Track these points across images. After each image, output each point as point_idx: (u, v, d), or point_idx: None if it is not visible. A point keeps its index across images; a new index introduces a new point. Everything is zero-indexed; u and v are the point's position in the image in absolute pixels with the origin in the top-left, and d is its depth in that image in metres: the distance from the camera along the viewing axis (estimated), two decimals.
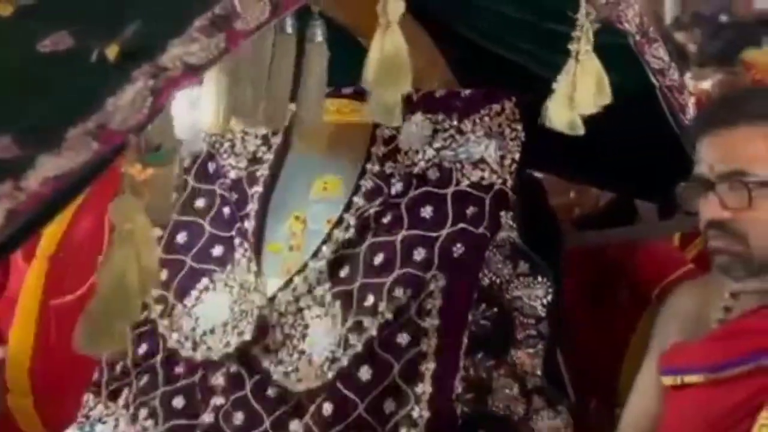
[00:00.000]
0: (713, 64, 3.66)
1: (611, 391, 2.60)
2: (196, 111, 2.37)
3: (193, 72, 1.48)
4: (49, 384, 2.69)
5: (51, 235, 2.70)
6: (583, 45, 2.00)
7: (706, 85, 3.69)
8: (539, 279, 2.22)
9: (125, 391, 2.35)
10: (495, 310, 2.20)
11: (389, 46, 1.82)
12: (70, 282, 2.65)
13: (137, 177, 1.51)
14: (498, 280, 2.21)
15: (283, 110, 2.08)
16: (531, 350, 2.21)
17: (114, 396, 2.36)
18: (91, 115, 1.44)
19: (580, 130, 2.03)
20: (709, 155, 1.98)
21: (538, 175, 2.56)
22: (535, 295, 2.21)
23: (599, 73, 2.02)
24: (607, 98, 2.02)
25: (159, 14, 1.54)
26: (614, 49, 2.07)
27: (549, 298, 2.22)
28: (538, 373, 2.21)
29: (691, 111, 2.25)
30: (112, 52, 1.49)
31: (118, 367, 2.37)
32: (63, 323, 2.62)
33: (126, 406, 2.34)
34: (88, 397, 2.38)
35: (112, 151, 1.46)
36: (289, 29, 2.15)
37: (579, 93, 2.01)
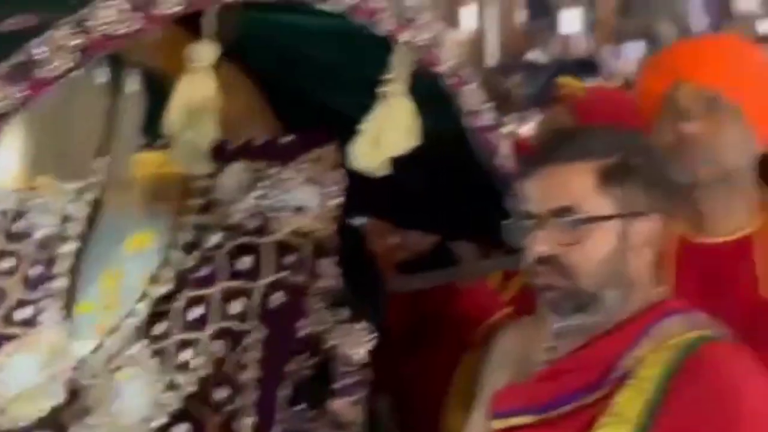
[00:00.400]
0: (534, 106, 3.72)
1: None
2: None
3: None
4: None
5: None
6: (393, 87, 2.00)
7: (529, 127, 3.75)
8: (360, 325, 2.19)
9: None
10: (316, 359, 2.16)
11: (196, 92, 1.77)
12: None
13: None
14: (318, 329, 2.16)
15: (90, 164, 2.01)
16: (352, 398, 2.18)
17: None
18: None
19: (386, 171, 2.02)
20: (537, 192, 1.99)
21: (360, 219, 2.55)
22: (355, 343, 2.18)
23: (409, 114, 2.01)
24: (414, 140, 2.02)
25: None
26: (429, 91, 2.07)
27: (370, 345, 2.18)
28: (359, 422, 2.17)
29: (504, 153, 2.26)
30: None
31: None
32: None
33: None
34: None
35: None
36: (102, 78, 2.09)
37: (386, 134, 2.01)
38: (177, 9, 1.78)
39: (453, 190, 2.37)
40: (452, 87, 2.10)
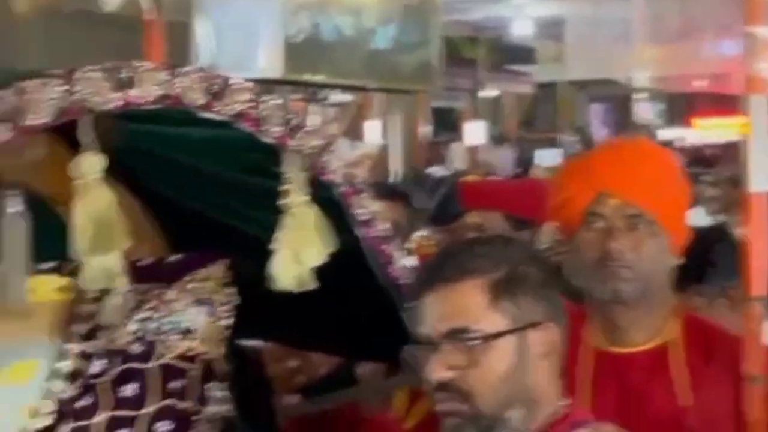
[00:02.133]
0: (433, 223, 3.66)
1: None
2: None
3: None
4: None
5: None
6: (296, 197, 1.93)
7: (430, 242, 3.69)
8: None
9: None
10: None
11: (94, 207, 1.68)
12: None
13: None
14: None
15: None
16: None
17: None
18: None
19: (311, 285, 1.96)
20: (432, 314, 1.94)
21: (257, 343, 2.44)
22: None
23: (319, 222, 1.95)
24: (332, 246, 1.96)
25: None
26: (323, 202, 1.99)
27: None
28: None
29: (400, 264, 2.18)
30: None
31: None
32: None
33: None
34: None
35: None
36: None
37: (303, 247, 1.94)
38: (45, 120, 1.70)
39: (352, 306, 2.27)
40: (344, 196, 2.03)
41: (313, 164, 1.97)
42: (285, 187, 1.94)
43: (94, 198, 1.66)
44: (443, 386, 1.91)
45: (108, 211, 1.66)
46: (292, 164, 1.93)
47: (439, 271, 1.96)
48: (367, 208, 2.09)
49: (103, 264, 1.72)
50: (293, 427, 2.57)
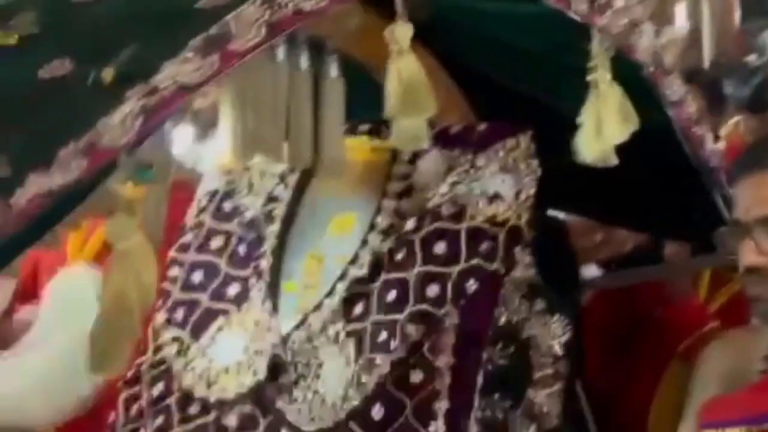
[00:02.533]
0: (744, 111, 3.63)
1: None
2: (212, 149, 2.38)
3: (185, 91, 1.48)
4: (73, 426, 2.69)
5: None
6: (601, 75, 1.98)
7: (742, 131, 3.65)
8: (556, 317, 2.18)
9: None
10: (511, 348, 2.16)
11: (406, 72, 1.81)
12: None
13: (129, 196, 1.51)
14: (514, 318, 2.17)
15: (308, 148, 2.08)
16: (549, 390, 2.17)
17: None
18: (83, 135, 1.44)
19: (613, 161, 2.00)
20: (745, 199, 1.95)
21: (562, 215, 2.54)
22: (552, 334, 2.17)
23: (622, 101, 1.99)
24: (634, 125, 1.99)
25: (155, 37, 1.54)
26: (631, 80, 2.04)
27: (567, 336, 2.17)
28: (556, 413, 2.16)
29: (711, 147, 2.21)
30: (107, 75, 1.50)
31: (134, 409, 2.35)
32: None
33: None
34: None
35: (102, 170, 1.45)
36: (304, 65, 2.16)
37: (605, 123, 1.98)
38: None
39: (661, 185, 2.32)
40: (652, 76, 2.07)
41: (621, 43, 2.02)
42: (592, 64, 1.97)
43: (405, 64, 1.78)
44: (754, 271, 1.92)
45: (418, 76, 1.77)
46: (600, 42, 1.97)
47: (756, 157, 1.98)
48: (676, 89, 2.13)
49: (412, 126, 1.85)
50: (596, 300, 2.67)
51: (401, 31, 1.76)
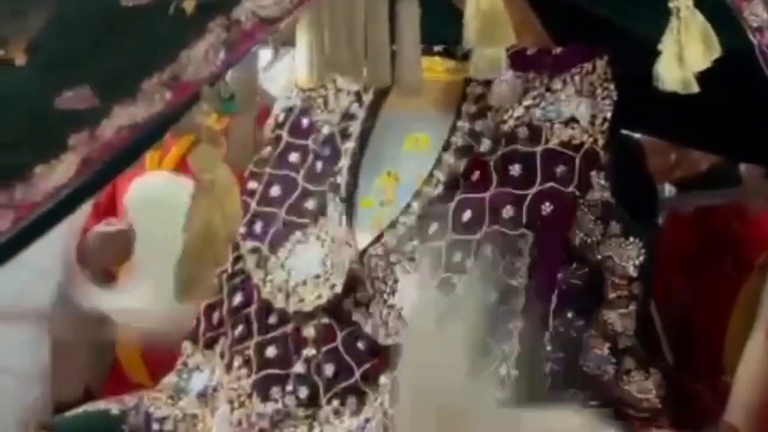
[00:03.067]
0: None
1: (714, 358, 2.56)
2: (290, 66, 2.40)
3: (267, 24, 1.50)
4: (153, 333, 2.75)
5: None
6: (683, 1, 1.96)
7: None
8: (631, 240, 2.18)
9: (221, 341, 2.40)
10: (585, 269, 2.17)
11: (485, 2, 1.80)
12: None
13: (214, 126, 1.54)
14: (589, 240, 2.18)
15: (387, 68, 2.09)
16: (623, 310, 2.18)
17: (210, 345, 2.41)
18: (165, 67, 1.47)
19: (694, 88, 1.97)
20: None
21: (637, 136, 2.53)
22: (627, 256, 2.18)
23: (704, 27, 1.96)
24: (716, 52, 1.96)
25: None
26: (712, 6, 2.02)
27: (641, 259, 2.18)
28: (630, 333, 2.17)
29: None
30: (189, 5, 1.51)
31: (215, 317, 2.42)
32: None
33: (222, 355, 2.39)
34: (187, 346, 2.44)
35: (186, 102, 1.48)
36: None
37: (687, 50, 1.95)
38: None
39: (738, 108, 2.30)
40: (736, 2, 2.03)
41: None
42: None
43: None
44: None
45: (497, 6, 1.78)
46: None
47: None
48: (759, 15, 2.09)
49: (490, 55, 1.85)
50: (671, 221, 2.67)
51: None
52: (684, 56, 1.96)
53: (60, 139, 1.43)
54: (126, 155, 1.47)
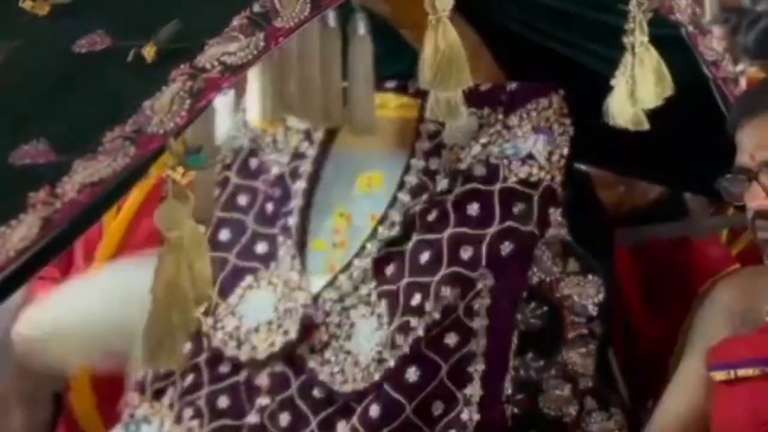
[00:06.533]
0: (748, 57, 3.58)
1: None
2: (237, 107, 2.35)
3: (232, 73, 1.44)
4: (109, 383, 2.68)
5: (111, 237, 2.67)
6: (638, 37, 1.95)
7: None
8: (590, 277, 2.17)
9: (170, 391, 2.33)
10: (545, 308, 2.15)
11: (443, 43, 1.77)
12: None
13: (179, 181, 1.48)
14: (548, 279, 2.16)
15: (339, 105, 2.05)
16: (583, 350, 2.16)
17: (158, 395, 2.34)
18: (128, 119, 1.41)
19: (645, 126, 1.98)
20: (750, 143, 1.94)
21: (584, 168, 2.51)
22: (586, 294, 2.17)
23: (658, 64, 1.96)
24: (669, 89, 1.97)
25: (196, 12, 1.50)
26: (667, 41, 2.01)
27: (600, 296, 2.17)
28: (591, 373, 2.16)
29: None
30: (149, 52, 1.45)
31: None
32: None
33: (171, 406, 2.32)
34: (133, 396, 2.36)
35: (151, 156, 1.42)
36: (332, 23, 2.12)
37: (639, 87, 1.95)
38: None
39: (684, 140, 2.30)
40: (692, 36, 2.03)
41: (661, 4, 1.98)
42: (629, 25, 1.94)
43: (442, 35, 1.75)
44: (764, 214, 1.92)
45: (455, 47, 1.75)
46: (639, 3, 1.93)
47: (759, 100, 1.96)
48: (714, 49, 2.09)
49: (446, 98, 1.82)
50: (622, 254, 2.65)
51: (441, 0, 1.72)
52: (636, 93, 1.96)
53: (18, 197, 1.35)
54: (90, 213, 1.41)
